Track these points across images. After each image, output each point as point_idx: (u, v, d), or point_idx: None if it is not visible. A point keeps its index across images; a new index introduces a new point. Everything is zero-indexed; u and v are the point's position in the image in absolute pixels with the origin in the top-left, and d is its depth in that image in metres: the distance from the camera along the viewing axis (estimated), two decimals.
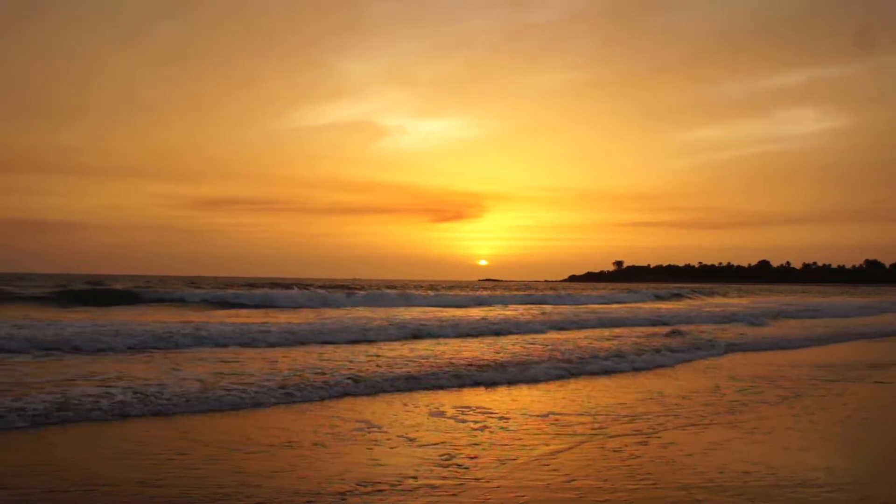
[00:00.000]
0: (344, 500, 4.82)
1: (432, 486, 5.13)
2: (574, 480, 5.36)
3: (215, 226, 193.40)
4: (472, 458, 5.94)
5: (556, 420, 7.52)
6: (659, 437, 6.81)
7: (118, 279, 61.18)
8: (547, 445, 6.42)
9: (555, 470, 5.64)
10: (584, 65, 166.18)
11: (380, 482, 5.21)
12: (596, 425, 7.28)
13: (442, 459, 5.87)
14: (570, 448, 6.35)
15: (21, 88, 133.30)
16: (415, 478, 5.33)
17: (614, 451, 6.27)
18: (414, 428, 6.99)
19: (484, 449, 6.25)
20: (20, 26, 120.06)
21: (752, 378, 10.94)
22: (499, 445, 6.39)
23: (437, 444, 6.39)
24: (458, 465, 5.69)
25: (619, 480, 5.38)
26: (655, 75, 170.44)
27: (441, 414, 7.73)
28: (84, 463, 5.59)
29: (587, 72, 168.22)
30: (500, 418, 7.54)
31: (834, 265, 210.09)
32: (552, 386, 9.98)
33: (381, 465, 5.69)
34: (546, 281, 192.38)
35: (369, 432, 6.79)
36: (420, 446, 6.30)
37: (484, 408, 8.11)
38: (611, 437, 6.80)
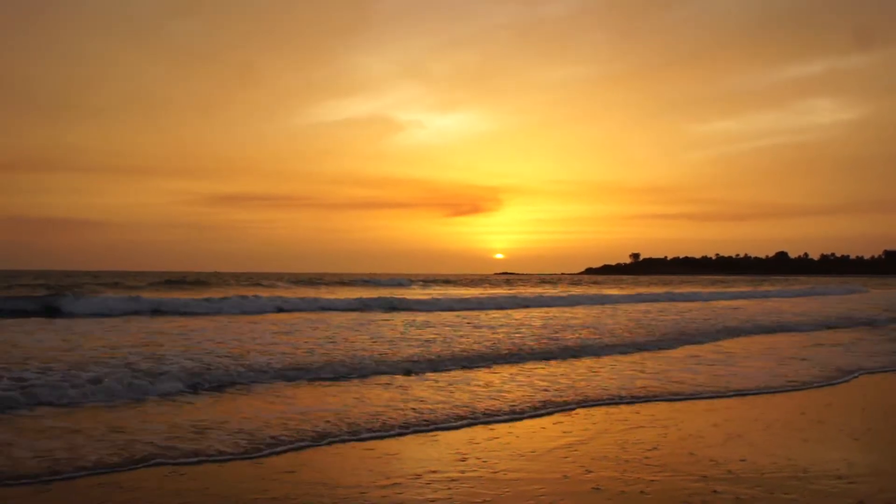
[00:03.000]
0: (363, 494, 4.86)
1: (451, 479, 5.17)
2: (591, 472, 5.38)
3: (232, 222, 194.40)
4: (490, 451, 5.97)
5: (576, 412, 7.54)
6: (678, 429, 6.81)
7: (137, 275, 61.89)
8: (564, 437, 6.45)
9: (573, 462, 5.66)
10: (599, 58, 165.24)
11: (399, 476, 5.25)
12: (619, 417, 7.29)
13: (461, 453, 5.89)
14: (589, 440, 6.36)
15: (36, 88, 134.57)
16: (434, 471, 5.37)
17: (634, 442, 6.28)
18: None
19: (502, 442, 6.28)
20: (35, 26, 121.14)
21: None
22: (517, 438, 6.42)
23: (458, 438, 6.43)
24: (477, 458, 5.72)
25: (637, 472, 5.39)
26: (670, 67, 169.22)
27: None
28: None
29: (602, 65, 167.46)
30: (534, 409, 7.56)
31: (852, 256, 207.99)
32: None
33: (399, 459, 5.73)
34: (563, 274, 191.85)
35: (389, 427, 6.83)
36: (439, 440, 6.34)
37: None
38: (630, 428, 6.80)
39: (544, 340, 14.35)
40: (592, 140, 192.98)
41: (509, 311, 24.83)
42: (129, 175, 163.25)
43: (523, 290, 45.83)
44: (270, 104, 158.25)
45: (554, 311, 24.79)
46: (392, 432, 6.52)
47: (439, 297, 31.99)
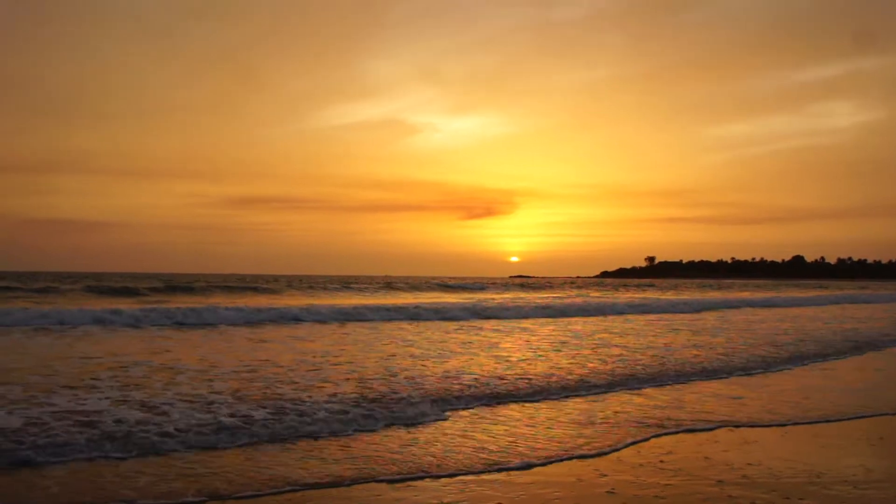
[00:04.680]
0: (378, 497, 4.88)
1: (464, 483, 5.18)
2: (605, 476, 5.37)
3: (246, 224, 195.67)
4: (507, 453, 5.97)
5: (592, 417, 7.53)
6: (693, 433, 6.78)
7: (154, 277, 62.18)
8: (578, 439, 6.44)
9: (587, 465, 5.66)
10: (614, 61, 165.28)
11: (414, 475, 5.28)
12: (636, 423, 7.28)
13: (478, 455, 5.90)
14: (605, 444, 6.34)
15: (47, 90, 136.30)
16: (451, 475, 5.38)
17: (649, 446, 6.26)
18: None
19: (519, 445, 6.28)
20: (46, 29, 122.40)
21: None
22: (533, 441, 6.42)
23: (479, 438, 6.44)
24: (494, 461, 5.72)
25: (652, 476, 5.38)
26: (685, 71, 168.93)
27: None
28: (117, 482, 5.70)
29: (616, 68, 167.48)
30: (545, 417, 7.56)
31: (870, 260, 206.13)
32: None
33: (415, 459, 5.73)
34: (578, 277, 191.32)
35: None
36: (457, 442, 6.35)
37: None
38: (648, 433, 6.78)
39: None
40: (607, 143, 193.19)
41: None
42: (141, 177, 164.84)
43: (647, 295, 47.03)
44: (284, 107, 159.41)
45: (737, 315, 25.26)
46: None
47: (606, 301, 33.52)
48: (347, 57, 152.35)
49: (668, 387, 9.43)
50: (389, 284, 57.42)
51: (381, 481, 5.15)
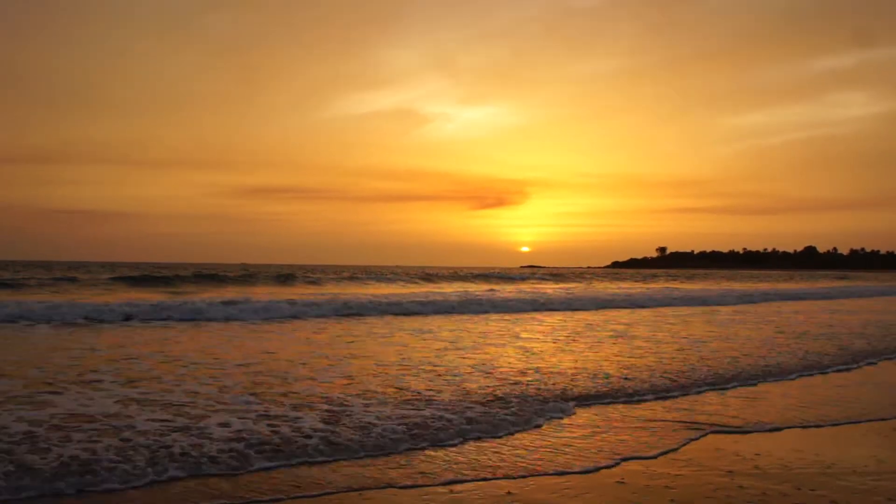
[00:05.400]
0: (393, 496, 4.91)
1: (484, 480, 5.21)
2: (617, 465, 5.38)
3: (260, 214, 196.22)
4: (514, 444, 5.99)
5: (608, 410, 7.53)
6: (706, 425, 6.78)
7: (174, 267, 62.36)
8: (586, 429, 6.45)
9: (599, 452, 5.67)
10: (627, 51, 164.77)
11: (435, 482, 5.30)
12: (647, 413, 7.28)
13: (496, 450, 5.93)
14: (616, 434, 6.35)
15: (66, 82, 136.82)
16: (485, 485, 5.40)
17: (659, 437, 6.26)
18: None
19: (541, 434, 6.30)
20: (63, 20, 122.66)
21: None
22: (553, 432, 6.44)
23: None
24: (513, 454, 5.74)
25: (663, 466, 5.39)
26: (699, 61, 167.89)
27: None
28: None
29: (630, 58, 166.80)
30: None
31: (882, 251, 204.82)
32: None
33: (446, 456, 5.76)
34: (589, 267, 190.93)
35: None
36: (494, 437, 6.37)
37: None
38: (656, 422, 6.78)
39: None
40: (620, 133, 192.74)
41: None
42: (155, 167, 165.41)
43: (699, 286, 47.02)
44: (297, 97, 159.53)
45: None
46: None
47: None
48: (361, 47, 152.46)
49: (704, 391, 8.72)
50: (428, 276, 56.77)
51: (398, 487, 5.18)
